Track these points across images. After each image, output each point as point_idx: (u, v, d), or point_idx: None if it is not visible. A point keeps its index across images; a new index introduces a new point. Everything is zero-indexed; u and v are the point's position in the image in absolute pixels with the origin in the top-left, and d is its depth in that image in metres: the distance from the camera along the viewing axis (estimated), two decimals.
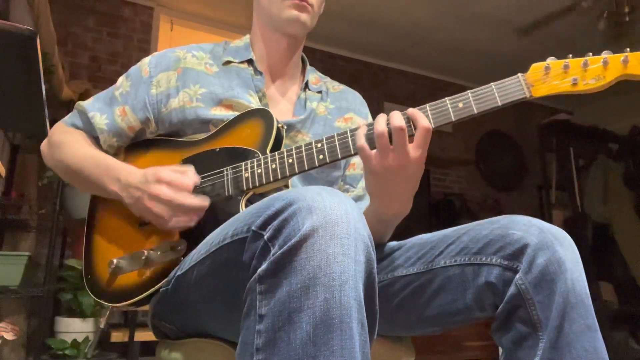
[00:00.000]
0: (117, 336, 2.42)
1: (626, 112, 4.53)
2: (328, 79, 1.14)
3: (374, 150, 0.76)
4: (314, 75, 1.10)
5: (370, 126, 0.79)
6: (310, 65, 1.11)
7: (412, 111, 0.77)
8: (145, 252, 0.86)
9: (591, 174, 3.94)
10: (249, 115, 0.93)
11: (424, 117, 0.76)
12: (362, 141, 0.77)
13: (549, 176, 4.01)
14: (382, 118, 0.76)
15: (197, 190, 0.86)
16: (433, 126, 0.78)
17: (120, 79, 1.02)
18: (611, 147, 4.12)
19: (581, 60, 0.75)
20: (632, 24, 3.09)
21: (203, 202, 0.83)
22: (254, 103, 0.97)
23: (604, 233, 3.90)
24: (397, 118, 0.75)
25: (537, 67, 0.78)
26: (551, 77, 0.76)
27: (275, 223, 0.57)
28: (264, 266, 0.56)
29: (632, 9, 3.08)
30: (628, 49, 0.73)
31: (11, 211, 2.19)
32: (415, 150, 0.75)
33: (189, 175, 0.85)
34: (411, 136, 0.76)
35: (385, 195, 0.81)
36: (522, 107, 5.08)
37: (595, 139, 4.03)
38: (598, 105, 5.09)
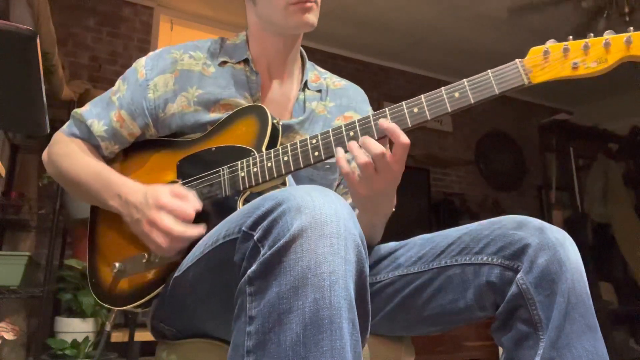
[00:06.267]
0: (117, 336, 2.42)
1: (626, 112, 4.53)
2: (328, 75, 1.11)
3: (359, 176, 0.76)
4: (313, 73, 1.08)
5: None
6: None
7: (388, 127, 0.75)
8: (146, 254, 0.86)
9: (591, 174, 3.94)
10: (243, 112, 0.92)
11: (402, 133, 0.74)
12: (347, 168, 0.77)
13: (549, 176, 4.01)
14: (355, 146, 0.75)
15: (196, 192, 0.86)
16: (429, 118, 0.76)
17: (117, 83, 1.00)
18: (611, 147, 4.12)
19: (582, 42, 0.71)
20: (632, 23, 3.09)
21: (201, 231, 0.81)
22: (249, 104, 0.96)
23: (604, 233, 3.90)
24: (374, 144, 0.74)
25: (535, 51, 0.74)
26: (551, 61, 0.72)
27: (265, 223, 0.57)
28: (253, 267, 0.55)
29: (632, 9, 3.08)
30: (631, 28, 0.70)
31: (11, 211, 2.19)
32: (397, 165, 0.75)
33: (190, 202, 0.83)
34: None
35: (375, 207, 0.83)
36: (522, 107, 5.09)
37: (595, 139, 4.03)
38: (598, 105, 5.09)
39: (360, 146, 0.76)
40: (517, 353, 0.73)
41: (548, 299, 0.70)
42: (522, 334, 0.73)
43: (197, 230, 0.81)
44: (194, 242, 0.80)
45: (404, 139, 0.74)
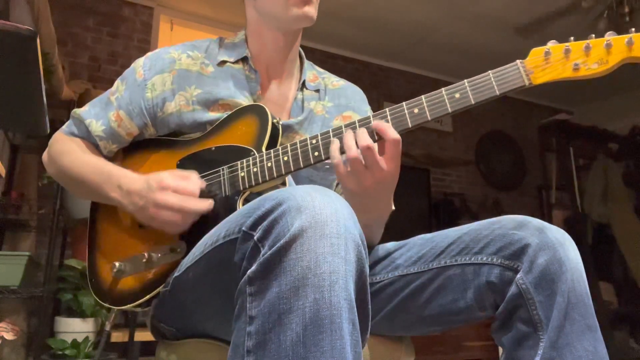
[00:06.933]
0: (117, 336, 2.42)
1: (626, 112, 4.53)
2: (327, 74, 1.11)
3: (349, 172, 0.76)
4: (311, 72, 1.08)
5: (336, 134, 0.78)
6: None
7: (377, 124, 0.76)
8: (146, 254, 0.86)
9: (591, 174, 3.94)
10: (243, 112, 0.91)
11: (391, 129, 0.75)
12: (338, 158, 0.77)
13: (549, 176, 4.01)
14: (350, 138, 0.76)
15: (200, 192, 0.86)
16: (430, 118, 0.77)
17: (116, 83, 1.00)
18: (611, 147, 4.12)
19: (583, 43, 0.71)
20: (632, 24, 3.09)
21: (210, 205, 0.83)
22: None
23: (604, 233, 3.90)
24: (364, 137, 0.74)
25: (536, 52, 0.74)
26: (552, 62, 0.72)
27: (265, 223, 0.57)
28: (253, 267, 0.55)
29: (632, 9, 3.08)
30: (633, 29, 0.70)
31: (11, 211, 2.19)
32: (388, 163, 0.75)
33: (193, 181, 0.84)
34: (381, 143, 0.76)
35: (365, 206, 0.81)
36: (522, 107, 5.09)
37: (595, 138, 4.02)
38: (598, 105, 5.09)
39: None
40: (517, 353, 0.73)
41: (548, 299, 0.70)
42: (522, 334, 0.73)
43: (205, 203, 0.82)
44: (197, 236, 0.79)
45: (393, 134, 0.74)
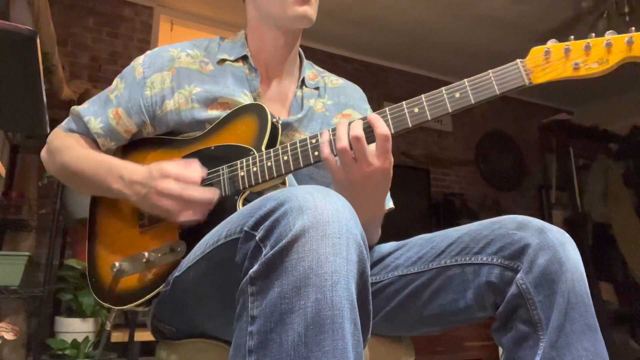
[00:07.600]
0: (117, 336, 2.42)
1: (626, 112, 4.53)
2: (326, 73, 1.11)
3: (337, 161, 0.76)
4: (310, 71, 1.08)
5: (334, 131, 0.78)
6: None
7: (371, 117, 0.76)
8: (146, 254, 0.86)
9: (591, 174, 3.94)
10: (243, 110, 0.91)
11: (382, 124, 0.75)
12: (327, 152, 0.77)
13: (549, 176, 4.01)
14: (343, 129, 0.76)
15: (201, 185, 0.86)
16: (430, 118, 0.76)
17: (115, 81, 1.00)
18: (611, 147, 4.12)
19: (583, 42, 0.71)
20: (632, 24, 3.08)
21: (213, 194, 0.83)
22: (248, 102, 0.96)
23: (604, 233, 3.90)
24: (355, 127, 0.75)
25: (536, 51, 0.74)
26: (552, 62, 0.72)
27: (267, 223, 0.57)
28: (255, 267, 0.55)
29: (632, 9, 3.08)
30: (633, 28, 0.69)
31: (11, 211, 2.19)
32: (377, 159, 0.75)
33: (195, 168, 0.85)
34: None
35: (353, 202, 0.81)
36: (522, 107, 5.09)
37: (595, 139, 4.02)
38: (598, 105, 5.09)
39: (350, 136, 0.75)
40: (517, 353, 0.73)
41: (548, 299, 0.70)
42: (522, 334, 0.73)
43: (207, 192, 0.82)
44: (198, 236, 0.79)
45: (383, 129, 0.74)
